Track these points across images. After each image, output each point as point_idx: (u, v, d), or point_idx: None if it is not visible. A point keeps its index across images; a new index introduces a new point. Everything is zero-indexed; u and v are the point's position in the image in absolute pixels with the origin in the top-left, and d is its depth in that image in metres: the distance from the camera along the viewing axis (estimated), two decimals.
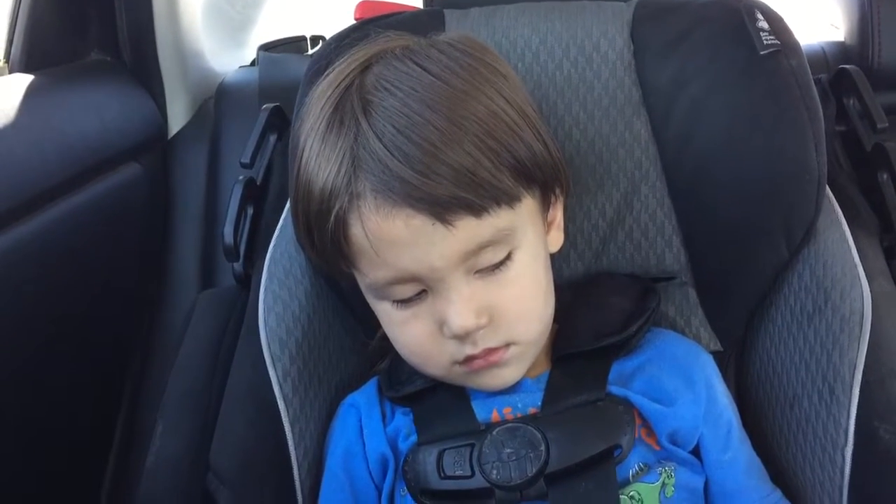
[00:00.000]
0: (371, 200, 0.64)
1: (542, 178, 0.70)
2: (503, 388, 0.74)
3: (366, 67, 0.70)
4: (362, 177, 0.65)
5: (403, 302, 0.70)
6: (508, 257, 0.69)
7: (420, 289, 0.68)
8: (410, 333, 0.71)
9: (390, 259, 0.66)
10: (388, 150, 0.64)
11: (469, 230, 0.65)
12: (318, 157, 0.67)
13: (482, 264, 0.68)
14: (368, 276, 0.69)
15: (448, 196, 0.63)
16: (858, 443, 0.72)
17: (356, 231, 0.66)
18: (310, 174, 0.68)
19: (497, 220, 0.66)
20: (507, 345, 0.71)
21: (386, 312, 0.72)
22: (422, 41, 0.73)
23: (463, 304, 0.67)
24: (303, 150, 0.70)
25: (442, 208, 0.64)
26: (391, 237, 0.65)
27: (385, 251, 0.66)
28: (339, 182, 0.65)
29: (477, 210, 0.65)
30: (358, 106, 0.66)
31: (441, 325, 0.69)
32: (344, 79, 0.69)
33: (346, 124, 0.66)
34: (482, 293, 0.68)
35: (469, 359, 0.70)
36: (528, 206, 0.70)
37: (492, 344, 0.70)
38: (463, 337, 0.68)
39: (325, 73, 0.73)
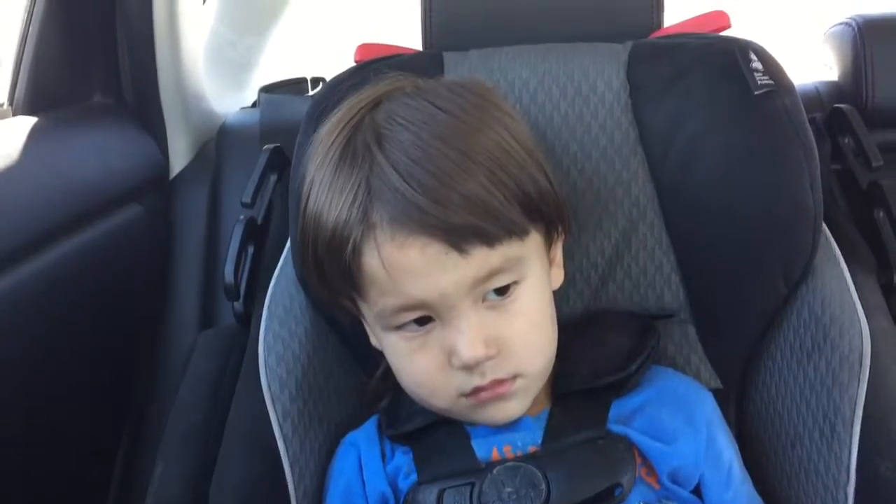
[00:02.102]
0: (387, 230, 0.65)
1: (547, 214, 0.72)
2: (507, 421, 0.74)
3: (376, 105, 0.71)
4: (378, 206, 0.66)
5: (412, 333, 0.70)
6: (516, 285, 0.70)
7: (427, 314, 0.69)
8: (418, 365, 0.71)
9: (402, 287, 0.66)
10: (404, 180, 0.65)
11: (481, 259, 0.66)
12: (331, 189, 0.68)
13: (491, 287, 0.68)
14: (377, 304, 0.69)
15: (463, 224, 0.65)
16: (860, 481, 0.71)
17: (369, 260, 0.67)
18: (321, 207, 0.69)
19: (508, 250, 0.68)
20: (514, 377, 0.71)
21: (393, 344, 0.72)
22: (429, 81, 0.75)
23: (473, 334, 0.67)
24: (311, 186, 0.71)
25: (457, 236, 0.65)
26: (406, 266, 0.66)
27: (398, 279, 0.66)
28: (353, 213, 0.66)
29: (490, 239, 0.66)
30: (371, 139, 0.68)
31: (450, 355, 0.69)
32: (354, 115, 0.71)
33: (359, 156, 0.67)
34: (491, 324, 0.69)
35: (476, 390, 0.70)
36: (534, 240, 0.71)
37: (500, 375, 0.70)
38: (472, 367, 0.68)
39: (331, 112, 0.74)
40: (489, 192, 0.66)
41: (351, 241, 0.66)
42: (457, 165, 0.65)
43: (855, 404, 0.73)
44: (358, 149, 0.68)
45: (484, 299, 0.69)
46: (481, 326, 0.68)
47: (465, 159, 0.66)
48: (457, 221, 0.64)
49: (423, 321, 0.69)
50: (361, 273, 0.68)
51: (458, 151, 0.66)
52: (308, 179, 0.72)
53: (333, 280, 0.70)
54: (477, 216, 0.65)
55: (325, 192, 0.69)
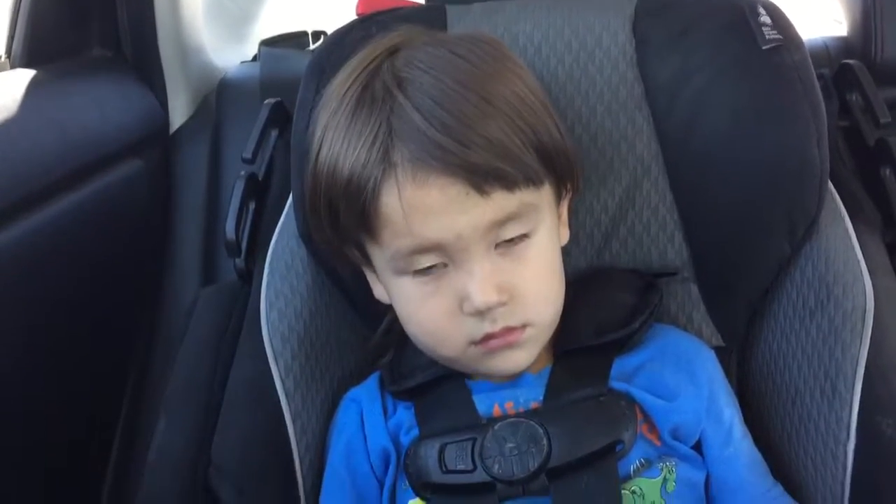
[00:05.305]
0: (408, 169, 0.65)
1: (560, 166, 0.72)
2: (515, 371, 0.75)
3: (393, 52, 0.71)
4: (399, 146, 0.66)
5: (423, 277, 0.70)
6: (529, 234, 0.70)
7: (440, 261, 0.69)
8: (429, 310, 0.71)
9: (417, 227, 0.67)
10: (427, 120, 0.65)
11: (500, 202, 0.67)
12: (348, 133, 0.68)
13: (505, 236, 0.69)
14: (391, 246, 0.69)
15: (485, 165, 0.65)
16: (860, 438, 0.72)
17: (388, 201, 0.67)
18: (337, 152, 0.69)
19: (525, 196, 0.68)
20: (524, 326, 0.71)
21: (404, 290, 0.72)
22: (443, 32, 0.76)
23: (485, 279, 0.68)
24: (325, 132, 0.71)
25: (479, 177, 0.65)
26: (425, 206, 0.66)
27: (416, 219, 0.66)
28: (373, 154, 0.66)
29: (510, 183, 0.67)
30: (392, 82, 0.68)
31: (461, 301, 0.69)
32: (370, 62, 0.71)
33: (378, 99, 0.68)
34: (503, 271, 0.69)
35: (487, 338, 0.70)
36: (547, 192, 0.72)
37: (510, 323, 0.70)
38: (483, 313, 0.69)
39: (333, 66, 0.74)
40: (509, 137, 0.66)
41: (371, 181, 0.66)
42: (478, 109, 0.66)
43: (857, 362, 0.73)
44: (377, 92, 0.68)
45: (497, 243, 0.69)
46: (494, 272, 0.68)
47: (486, 104, 0.66)
48: (479, 162, 0.65)
49: (434, 268, 0.69)
50: (378, 215, 0.68)
51: (478, 96, 0.67)
52: (321, 127, 0.71)
53: (346, 225, 0.70)
54: (498, 158, 0.66)
55: (341, 136, 0.69)
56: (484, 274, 0.68)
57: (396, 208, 0.66)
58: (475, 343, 0.71)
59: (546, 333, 0.75)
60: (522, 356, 0.73)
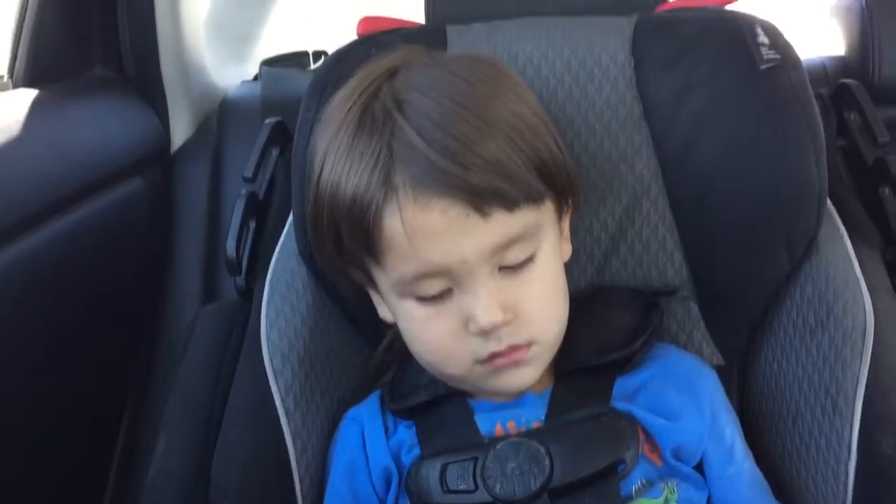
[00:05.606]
0: (409, 192, 0.66)
1: (560, 183, 0.72)
2: (520, 389, 0.75)
3: (392, 74, 0.72)
4: (401, 169, 0.66)
5: (428, 299, 0.70)
6: (533, 257, 0.70)
7: (445, 286, 0.69)
8: (433, 331, 0.71)
9: (422, 251, 0.67)
10: (427, 143, 0.65)
11: (501, 223, 0.67)
12: (349, 155, 0.68)
13: (509, 261, 0.69)
14: (395, 270, 0.69)
15: (485, 186, 0.65)
16: (861, 457, 0.72)
17: (390, 224, 0.67)
18: (339, 174, 0.69)
19: (526, 217, 0.68)
20: (529, 344, 0.71)
21: (408, 311, 0.72)
22: (441, 53, 0.76)
23: (490, 300, 0.68)
24: (326, 154, 0.71)
25: (479, 199, 0.65)
26: (427, 228, 0.66)
27: (419, 243, 0.66)
28: (375, 176, 0.66)
29: (510, 203, 0.67)
30: (391, 105, 0.68)
31: (466, 322, 0.69)
32: (370, 84, 0.71)
33: (379, 122, 0.68)
34: (507, 290, 0.69)
35: (492, 357, 0.70)
36: (549, 209, 0.72)
37: (515, 341, 0.70)
38: (489, 332, 0.69)
39: (333, 86, 0.75)
40: (508, 157, 0.67)
41: (373, 204, 0.67)
42: (477, 130, 0.66)
43: (857, 381, 0.73)
44: (377, 115, 0.68)
45: (501, 266, 0.69)
46: (499, 292, 0.68)
47: (485, 124, 0.67)
48: (478, 182, 0.65)
49: (439, 293, 0.69)
50: (382, 237, 0.68)
51: (477, 117, 0.67)
52: (322, 148, 0.71)
53: (350, 248, 0.70)
54: (497, 178, 0.66)
55: (342, 158, 0.69)
56: (489, 295, 0.68)
57: (399, 231, 0.66)
58: (481, 362, 0.71)
59: (551, 350, 0.75)
60: (528, 374, 0.73)
